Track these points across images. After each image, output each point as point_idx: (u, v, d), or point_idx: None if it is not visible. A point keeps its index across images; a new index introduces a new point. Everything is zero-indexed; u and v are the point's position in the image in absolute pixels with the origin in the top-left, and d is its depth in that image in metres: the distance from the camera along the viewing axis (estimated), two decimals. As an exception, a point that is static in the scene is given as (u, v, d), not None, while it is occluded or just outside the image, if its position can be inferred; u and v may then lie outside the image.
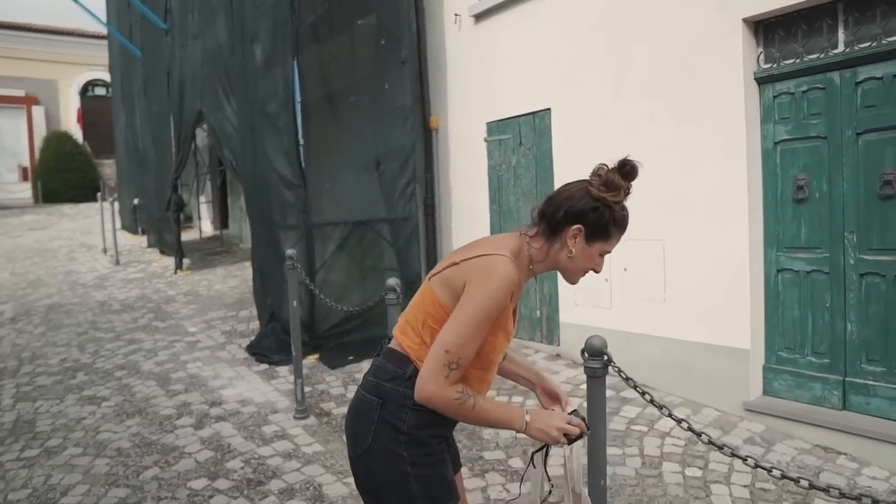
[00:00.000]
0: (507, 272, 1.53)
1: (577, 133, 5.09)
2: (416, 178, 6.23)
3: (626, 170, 1.62)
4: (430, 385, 1.53)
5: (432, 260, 6.77)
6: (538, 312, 5.63)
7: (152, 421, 4.45)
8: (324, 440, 4.10)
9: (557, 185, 5.24)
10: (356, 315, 5.62)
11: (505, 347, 1.71)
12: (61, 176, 19.81)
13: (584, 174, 5.65)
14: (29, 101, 21.29)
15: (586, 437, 1.76)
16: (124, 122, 13.00)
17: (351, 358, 5.53)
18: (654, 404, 1.96)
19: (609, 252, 1.69)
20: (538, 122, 5.40)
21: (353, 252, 6.23)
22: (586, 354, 2.09)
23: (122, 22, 11.57)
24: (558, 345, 5.47)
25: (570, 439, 1.62)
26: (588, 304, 5.14)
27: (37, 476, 3.74)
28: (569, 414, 1.68)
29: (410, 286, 5.25)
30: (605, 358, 2.06)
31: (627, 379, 2.03)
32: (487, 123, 5.94)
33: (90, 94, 22.26)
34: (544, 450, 1.80)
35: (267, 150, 5.95)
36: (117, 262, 10.65)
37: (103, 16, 12.75)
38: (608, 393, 4.60)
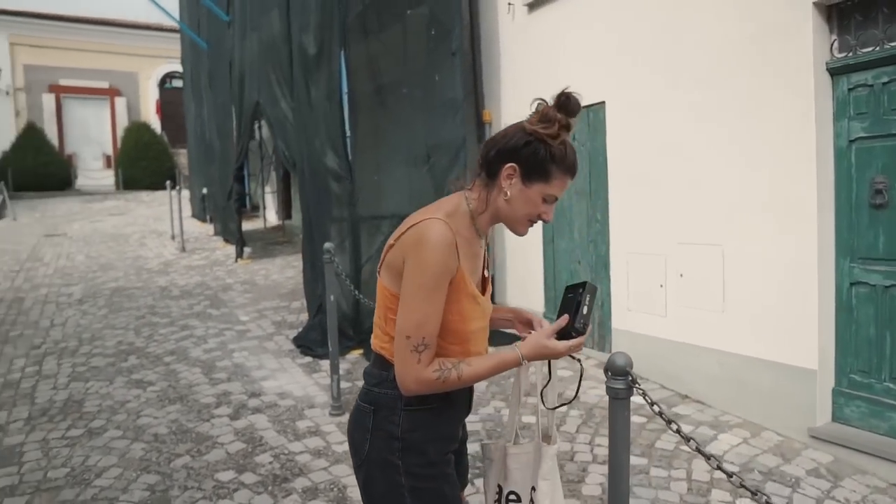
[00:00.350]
0: (439, 233, 1.43)
1: (632, 128, 4.81)
2: (466, 173, 6.07)
3: (562, 101, 1.49)
4: (408, 377, 1.46)
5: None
6: (589, 316, 5.38)
7: (191, 408, 4.48)
8: (355, 439, 4.00)
9: (612, 183, 5.02)
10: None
11: (478, 314, 1.57)
12: (140, 164, 20.76)
13: (640, 170, 5.32)
14: (112, 93, 22.37)
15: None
16: (194, 113, 13.42)
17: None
18: (681, 435, 1.74)
19: (554, 196, 1.53)
20: (592, 116, 5.14)
21: (402, 246, 6.13)
22: (609, 373, 1.88)
23: (192, 15, 11.91)
24: (610, 352, 5.20)
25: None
26: (641, 310, 4.87)
27: (76, 456, 3.81)
28: (565, 327, 1.55)
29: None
30: (630, 378, 1.84)
31: (653, 404, 1.82)
32: (541, 118, 5.71)
33: (168, 85, 23.17)
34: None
35: (316, 142, 5.92)
36: (183, 249, 10.99)
37: (176, 10, 13.17)
38: (657, 407, 4.35)
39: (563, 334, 1.55)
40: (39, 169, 19.51)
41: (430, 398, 1.54)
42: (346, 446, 3.87)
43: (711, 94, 4.20)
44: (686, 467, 3.58)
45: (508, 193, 1.51)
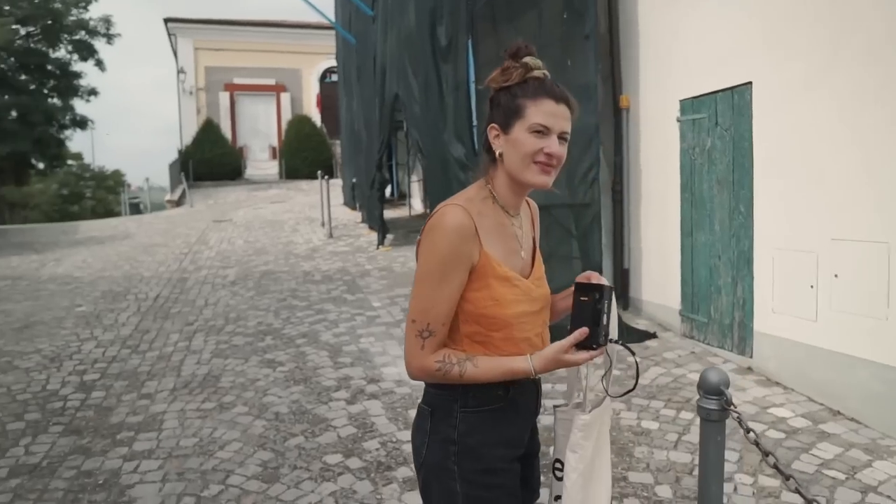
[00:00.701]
0: (452, 217, 1.41)
1: (781, 111, 4.26)
2: (598, 161, 5.75)
3: (506, 51, 1.49)
4: (411, 362, 1.45)
5: (618, 250, 6.27)
6: (729, 317, 4.90)
7: (313, 390, 4.66)
8: (462, 433, 3.94)
9: (757, 171, 4.51)
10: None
11: (519, 296, 1.47)
12: (301, 155, 22.27)
13: (788, 158, 4.77)
14: (278, 89, 24.19)
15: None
16: (345, 105, 14.05)
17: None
18: (778, 469, 1.46)
19: (542, 125, 1.42)
20: (737, 98, 4.63)
21: (530, 236, 5.97)
22: (701, 391, 1.63)
23: (344, 13, 12.44)
24: (751, 356, 4.71)
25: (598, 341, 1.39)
26: (788, 312, 4.34)
27: (206, 427, 4.10)
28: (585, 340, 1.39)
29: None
30: (724, 398, 1.59)
31: (748, 431, 1.55)
32: (681, 101, 5.26)
33: (327, 80, 24.56)
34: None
35: (444, 133, 5.91)
36: (331, 236, 11.57)
37: (331, 8, 13.85)
38: (801, 423, 3.87)
39: (582, 345, 1.40)
40: (215, 160, 21.64)
41: (488, 398, 1.48)
42: (451, 439, 3.84)
43: (882, 68, 3.60)
44: (828, 495, 3.12)
45: (499, 151, 1.49)
